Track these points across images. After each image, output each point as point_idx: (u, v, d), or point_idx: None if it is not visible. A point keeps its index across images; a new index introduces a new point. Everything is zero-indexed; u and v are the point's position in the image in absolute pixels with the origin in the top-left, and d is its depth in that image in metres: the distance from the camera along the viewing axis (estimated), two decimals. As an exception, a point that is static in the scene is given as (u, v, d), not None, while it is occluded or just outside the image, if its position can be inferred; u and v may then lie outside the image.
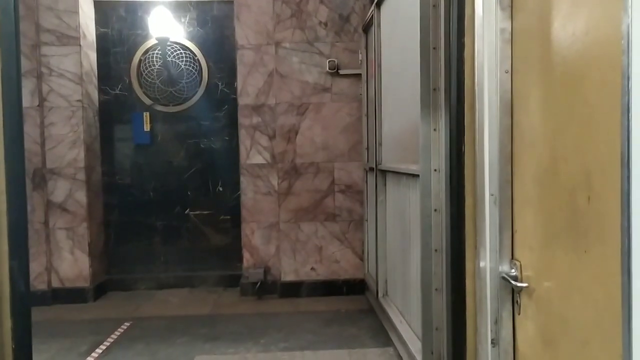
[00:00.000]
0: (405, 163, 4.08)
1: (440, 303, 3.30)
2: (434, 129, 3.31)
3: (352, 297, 5.79)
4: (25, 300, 1.78)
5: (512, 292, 1.84)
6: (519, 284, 1.73)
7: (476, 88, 1.92)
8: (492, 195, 1.88)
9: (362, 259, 5.91)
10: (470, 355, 1.92)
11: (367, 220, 5.69)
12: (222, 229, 6.44)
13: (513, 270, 1.80)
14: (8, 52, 1.74)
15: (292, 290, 5.89)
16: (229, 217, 6.41)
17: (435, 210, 3.30)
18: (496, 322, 1.87)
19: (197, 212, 6.41)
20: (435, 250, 3.31)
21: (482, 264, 1.90)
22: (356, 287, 5.89)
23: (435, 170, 3.30)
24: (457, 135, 1.95)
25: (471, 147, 1.93)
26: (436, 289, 3.32)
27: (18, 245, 1.76)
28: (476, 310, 1.93)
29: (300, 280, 5.92)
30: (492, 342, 1.88)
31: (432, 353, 3.31)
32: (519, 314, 1.80)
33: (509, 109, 1.84)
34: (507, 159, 1.84)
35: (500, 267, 1.85)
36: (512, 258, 1.83)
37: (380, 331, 4.72)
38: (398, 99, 4.33)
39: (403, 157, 4.37)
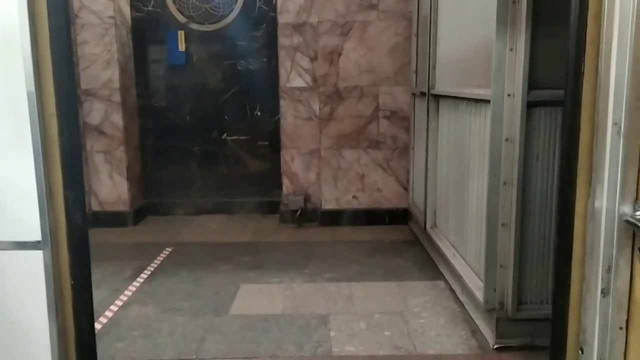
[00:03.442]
0: (469, 87, 3.74)
1: (507, 239, 3.09)
2: (510, 49, 2.96)
3: (394, 227, 5.62)
4: (82, 234, 1.61)
5: (632, 238, 1.60)
6: (653, 229, 1.48)
7: (605, -6, 1.60)
8: (615, 124, 1.60)
9: (406, 189, 5.69)
10: (575, 305, 1.71)
11: (413, 149, 5.42)
12: (260, 154, 6.24)
13: (639, 213, 1.55)
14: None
15: (333, 218, 5.74)
16: (267, 142, 6.19)
17: (507, 139, 3.02)
18: (609, 269, 1.64)
19: (234, 137, 6.20)
20: (504, 182, 3.06)
21: (597, 203, 1.65)
22: (399, 217, 5.71)
23: (508, 95, 2.99)
24: (577, 53, 1.64)
25: (592, 67, 1.63)
26: (503, 224, 3.09)
27: (72, 173, 1.56)
28: (585, 256, 1.70)
29: (341, 209, 5.75)
30: (602, 292, 1.66)
31: (495, 290, 3.14)
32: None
33: (647, 21, 1.53)
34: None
35: (620, 209, 1.59)
36: (637, 199, 1.58)
37: (428, 263, 4.57)
38: (461, 17, 3.94)
39: (464, 80, 4.03)
